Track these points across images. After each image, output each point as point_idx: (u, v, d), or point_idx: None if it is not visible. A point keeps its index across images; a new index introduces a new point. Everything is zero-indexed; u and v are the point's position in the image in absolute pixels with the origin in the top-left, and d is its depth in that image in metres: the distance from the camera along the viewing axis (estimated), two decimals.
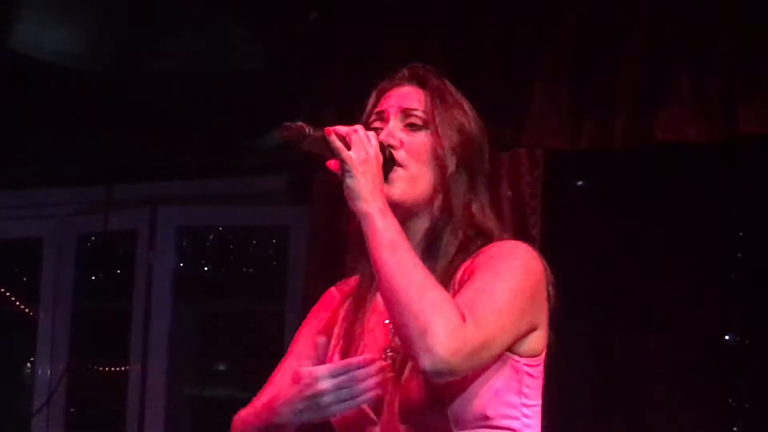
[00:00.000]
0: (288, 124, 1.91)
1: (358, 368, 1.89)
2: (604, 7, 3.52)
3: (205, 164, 4.90)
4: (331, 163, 1.96)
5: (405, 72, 2.12)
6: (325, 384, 1.88)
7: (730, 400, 4.12)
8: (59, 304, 5.11)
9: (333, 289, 2.21)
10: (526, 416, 1.97)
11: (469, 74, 3.48)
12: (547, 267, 2.01)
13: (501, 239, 2.03)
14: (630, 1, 3.48)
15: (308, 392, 1.90)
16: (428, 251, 2.01)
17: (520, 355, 1.95)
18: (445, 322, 1.80)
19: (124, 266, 5.12)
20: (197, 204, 4.92)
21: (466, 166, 2.05)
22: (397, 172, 2.01)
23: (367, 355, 1.94)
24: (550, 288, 2.00)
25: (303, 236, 4.20)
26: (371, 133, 1.98)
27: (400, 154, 2.02)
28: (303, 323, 2.20)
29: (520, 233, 3.22)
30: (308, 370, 1.92)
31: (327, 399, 1.89)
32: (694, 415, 3.92)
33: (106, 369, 5.11)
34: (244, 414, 2.07)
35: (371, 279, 2.03)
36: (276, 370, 2.14)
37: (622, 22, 3.48)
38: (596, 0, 3.54)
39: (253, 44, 4.17)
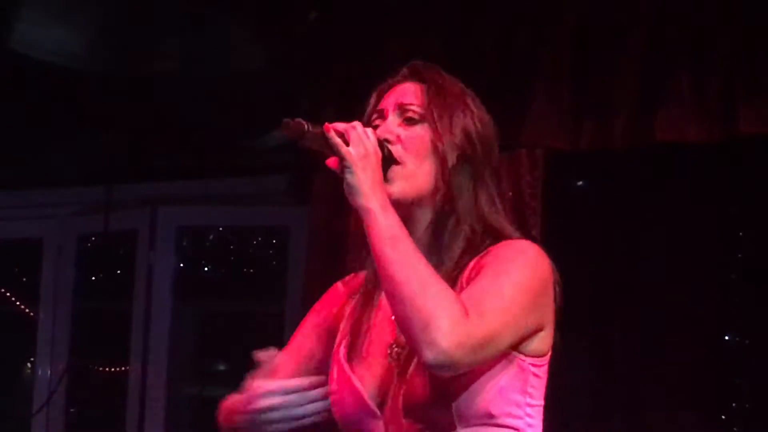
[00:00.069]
0: (287, 120, 1.91)
1: (303, 390, 1.92)
2: (604, 7, 3.52)
3: (205, 164, 4.90)
4: (331, 162, 1.95)
5: (405, 70, 2.12)
6: (266, 401, 1.92)
7: (730, 401, 4.12)
8: (59, 304, 5.11)
9: (339, 283, 2.20)
10: (530, 416, 1.96)
11: (469, 74, 3.47)
12: (555, 268, 1.99)
13: (511, 238, 2.02)
14: (630, 1, 3.49)
15: (249, 407, 1.94)
16: (432, 244, 2.00)
17: (527, 355, 1.95)
18: (448, 315, 1.79)
19: (124, 266, 5.12)
20: (197, 204, 4.91)
21: (469, 159, 2.03)
22: (395, 170, 1.99)
23: (315, 378, 1.96)
24: (557, 289, 1.99)
25: (303, 236, 4.20)
26: (369, 129, 1.97)
27: (397, 150, 2.00)
28: (305, 318, 2.20)
29: (521, 233, 3.21)
30: (256, 384, 1.95)
31: (264, 417, 1.93)
32: (694, 415, 3.92)
33: (106, 369, 5.10)
34: (229, 402, 2.09)
35: (377, 275, 2.01)
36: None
37: (622, 22, 3.48)
38: (596, 0, 3.54)
39: (253, 44, 4.17)
